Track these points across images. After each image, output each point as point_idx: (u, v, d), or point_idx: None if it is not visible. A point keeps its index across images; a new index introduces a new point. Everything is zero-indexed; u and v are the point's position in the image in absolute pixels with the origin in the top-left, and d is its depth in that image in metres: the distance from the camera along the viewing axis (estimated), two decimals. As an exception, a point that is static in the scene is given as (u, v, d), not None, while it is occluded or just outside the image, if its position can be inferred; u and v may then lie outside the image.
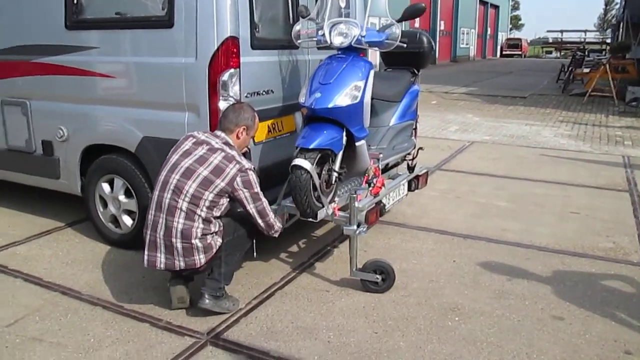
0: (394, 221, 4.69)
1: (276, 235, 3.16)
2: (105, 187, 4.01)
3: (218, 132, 3.06)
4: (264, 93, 3.70)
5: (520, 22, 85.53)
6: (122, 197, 3.93)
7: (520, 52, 50.92)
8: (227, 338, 2.89)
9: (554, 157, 7.42)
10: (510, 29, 67.39)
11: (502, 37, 54.21)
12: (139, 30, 3.59)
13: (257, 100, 3.62)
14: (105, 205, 4.07)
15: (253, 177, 2.95)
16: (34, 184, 4.53)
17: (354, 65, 3.43)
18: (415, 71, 4.46)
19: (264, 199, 3.01)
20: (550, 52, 56.56)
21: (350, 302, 3.27)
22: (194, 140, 3.00)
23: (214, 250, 2.93)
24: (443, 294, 3.37)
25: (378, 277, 3.34)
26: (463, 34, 39.35)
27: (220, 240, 2.97)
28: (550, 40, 62.48)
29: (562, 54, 47.54)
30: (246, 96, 3.51)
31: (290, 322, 3.04)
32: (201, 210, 2.86)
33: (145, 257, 2.94)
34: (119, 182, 3.93)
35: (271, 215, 3.06)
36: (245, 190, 2.91)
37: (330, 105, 3.27)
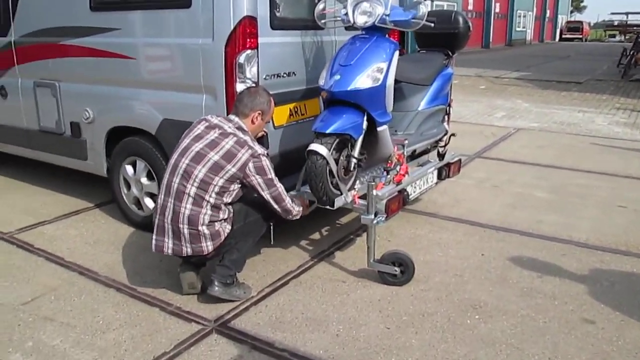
0: (424, 210, 4.50)
1: (297, 217, 3.08)
2: (129, 169, 4.02)
3: (232, 116, 2.97)
4: (285, 75, 3.58)
5: (582, 4, 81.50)
6: (144, 180, 3.93)
7: (580, 36, 48.46)
8: (233, 326, 2.82)
9: (606, 146, 6.96)
10: (571, 12, 64.35)
11: (561, 19, 51.79)
12: (158, 10, 3.52)
13: (277, 83, 3.51)
14: (128, 187, 4.08)
15: (267, 162, 2.85)
16: (64, 165, 4.61)
17: (377, 46, 3.26)
18: (450, 53, 4.21)
19: (279, 185, 2.91)
20: (614, 36, 53.59)
21: (366, 294, 3.13)
22: (207, 124, 2.92)
23: (222, 238, 2.85)
24: (465, 290, 3.18)
25: (396, 270, 3.19)
26: (519, 16, 37.81)
27: (229, 227, 2.88)
28: (616, 23, 59.11)
29: (626, 37, 44.91)
30: (265, 78, 3.40)
31: (301, 313, 2.94)
32: (210, 196, 2.78)
33: (153, 242, 2.90)
34: (141, 164, 3.92)
35: (288, 200, 2.96)
36: (258, 176, 2.82)
37: (349, 88, 3.12)
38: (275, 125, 3.56)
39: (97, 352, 2.61)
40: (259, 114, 2.98)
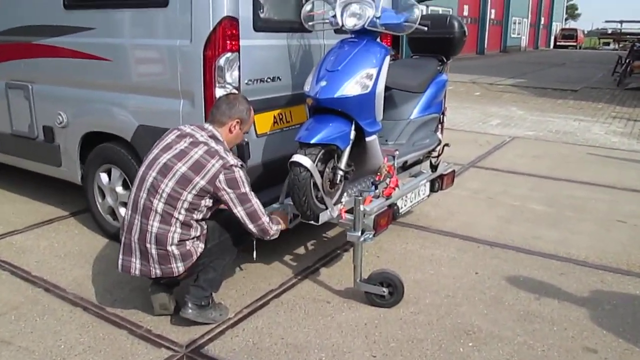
0: (416, 223, 4.29)
1: (276, 236, 2.81)
2: (104, 177, 3.79)
3: (205, 125, 2.75)
4: (269, 80, 3.36)
5: (576, 12, 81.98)
6: (119, 189, 3.70)
7: (575, 43, 48.51)
8: (206, 353, 2.60)
9: (603, 156, 6.79)
10: (566, 19, 64.58)
11: (556, 27, 51.89)
12: (134, 9, 3.31)
13: (260, 88, 3.30)
14: (103, 196, 3.85)
15: (240, 174, 2.60)
16: (38, 171, 4.38)
17: (367, 51, 3.05)
18: (444, 59, 4.02)
19: (254, 201, 2.65)
20: (608, 44, 53.70)
21: (352, 317, 2.92)
22: (178, 132, 2.70)
23: (194, 258, 2.62)
24: (458, 313, 2.97)
25: (384, 291, 2.97)
26: (515, 23, 37.80)
27: (202, 245, 2.66)
28: (609, 32, 59.31)
29: (620, 45, 45.01)
30: (247, 83, 3.19)
31: (280, 338, 2.72)
32: (179, 213, 2.55)
33: (120, 262, 2.67)
34: (116, 172, 3.69)
35: (265, 218, 2.69)
36: (230, 190, 2.57)
37: (336, 95, 2.91)
38: (258, 133, 3.35)
39: (54, 382, 2.39)
40: (237, 122, 2.75)
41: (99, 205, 3.90)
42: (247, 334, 2.75)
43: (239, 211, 2.61)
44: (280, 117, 3.54)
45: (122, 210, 3.74)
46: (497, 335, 2.76)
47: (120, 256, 2.65)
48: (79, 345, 2.64)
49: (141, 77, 3.37)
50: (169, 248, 2.54)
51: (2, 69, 4.21)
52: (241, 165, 2.63)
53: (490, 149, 7.05)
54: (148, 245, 2.55)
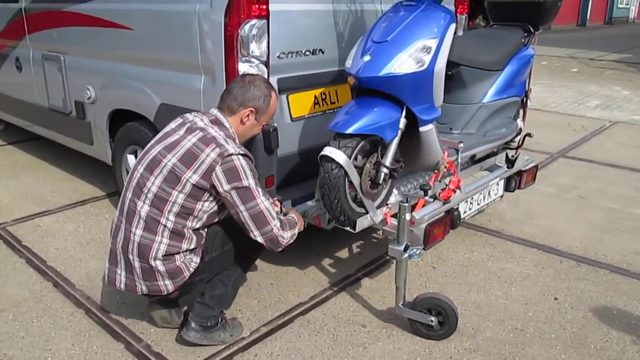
0: (485, 226, 3.62)
1: (290, 242, 2.21)
2: (131, 159, 3.44)
3: (212, 110, 2.25)
4: (308, 53, 2.81)
5: (699, -21, 73.20)
6: (145, 173, 3.33)
7: (695, 14, 43.35)
8: (205, 385, 2.16)
9: None
10: (686, -13, 57.80)
11: (673, -5, 46.57)
12: (153, -32, 2.86)
13: (296, 63, 2.77)
14: (131, 179, 3.51)
15: (241, 163, 2.05)
16: (75, 148, 4.14)
17: (426, 17, 2.43)
18: (531, 29, 3.25)
19: (262, 199, 2.08)
20: None
21: (389, 349, 2.37)
22: (180, 120, 2.23)
23: (186, 275, 2.16)
24: (526, 356, 2.33)
25: (432, 320, 2.39)
26: (623, -9, 34.20)
27: (197, 259, 2.18)
28: None
29: None
30: (279, 56, 2.66)
31: (297, 372, 2.23)
32: (166, 219, 2.08)
33: (106, 271, 2.26)
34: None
35: (274, 223, 2.09)
36: (228, 186, 2.03)
37: (382, 73, 2.32)
38: (293, 116, 2.83)
39: (27, 406, 2.05)
40: (251, 112, 2.22)
41: (127, 190, 3.57)
42: (258, 362, 2.29)
43: (241, 212, 2.06)
44: (323, 97, 2.99)
45: (148, 197, 3.38)
46: (578, 395, 2.12)
47: (107, 265, 2.25)
48: (68, 359, 2.29)
49: (162, 49, 2.93)
50: (151, 263, 2.10)
51: (39, 39, 3.96)
52: (244, 154, 2.10)
53: (585, 136, 6.08)
54: (130, 257, 2.13)
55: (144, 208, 2.09)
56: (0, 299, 2.73)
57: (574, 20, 28.62)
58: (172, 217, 2.08)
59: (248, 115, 2.22)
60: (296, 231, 2.21)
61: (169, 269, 2.11)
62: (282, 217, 2.16)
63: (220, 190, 2.04)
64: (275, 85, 2.62)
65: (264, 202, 2.08)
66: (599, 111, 7.47)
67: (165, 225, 2.08)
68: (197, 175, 2.04)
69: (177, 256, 2.11)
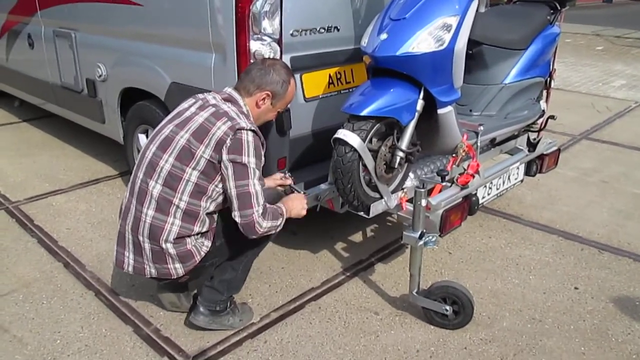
0: (504, 210, 3.52)
1: (270, 233, 2.11)
2: (142, 138, 3.39)
3: (226, 88, 2.18)
4: (322, 30, 2.71)
5: None
6: (156, 153, 3.28)
7: None
8: (213, 371, 2.13)
9: None
10: None
11: None
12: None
13: (310, 41, 2.67)
14: (143, 159, 3.46)
15: (249, 139, 1.97)
16: (87, 126, 4.10)
17: (447, -7, 2.29)
18: (558, 6, 3.09)
19: (254, 181, 1.99)
20: None
21: (402, 338, 2.31)
22: (193, 100, 2.15)
23: (197, 259, 2.10)
24: (545, 348, 2.26)
25: (447, 309, 2.32)
26: (653, -34, 32.98)
27: (208, 244, 2.13)
28: None
29: None
30: (292, 34, 2.56)
31: (307, 359, 2.18)
32: (179, 199, 2.03)
33: (115, 253, 2.22)
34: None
35: (256, 209, 1.98)
36: (228, 156, 1.96)
37: (399, 53, 2.21)
38: (307, 96, 2.74)
39: (36, 389, 2.04)
40: (267, 95, 2.14)
41: (138, 169, 3.53)
42: (268, 348, 2.24)
43: (230, 187, 1.99)
44: (338, 76, 2.89)
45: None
46: (597, 390, 2.04)
47: (115, 246, 2.21)
48: (76, 342, 2.27)
49: (172, 26, 2.84)
50: (162, 245, 2.05)
51: (51, 15, 3.89)
52: (254, 131, 2.02)
53: (610, 117, 5.88)
54: (140, 238, 2.08)
55: (156, 188, 2.04)
56: (11, 279, 2.72)
57: (599, -4, 27.72)
58: (185, 197, 2.02)
59: (264, 99, 2.14)
60: (278, 223, 2.09)
61: (179, 252, 2.06)
62: (268, 206, 2.06)
63: (221, 159, 1.98)
64: (288, 64, 2.54)
65: (255, 185, 2.00)
66: (624, 91, 7.22)
67: (178, 206, 2.03)
68: (210, 149, 1.98)
69: (188, 239, 2.06)
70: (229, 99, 2.10)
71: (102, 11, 3.29)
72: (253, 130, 2.01)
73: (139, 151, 3.44)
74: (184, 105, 2.16)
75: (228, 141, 1.96)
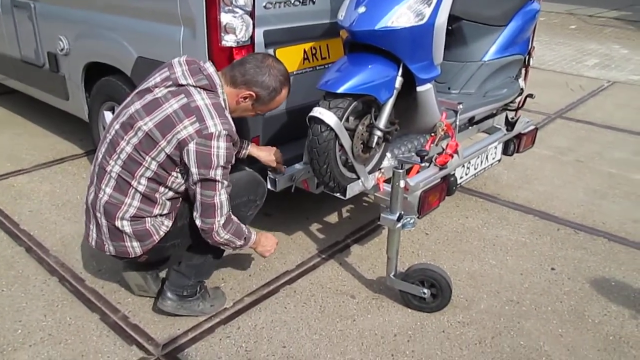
0: (480, 190, 3.49)
1: (228, 245, 2.05)
2: (107, 115, 3.23)
3: (208, 65, 1.99)
4: (297, 3, 2.58)
5: None
6: (123, 132, 3.13)
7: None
8: (185, 359, 2.04)
9: None
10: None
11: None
12: None
13: (284, 14, 2.54)
14: (109, 138, 3.31)
15: (218, 148, 1.84)
16: (49, 103, 3.90)
17: (428, -35, 2.19)
18: (538, -18, 3.03)
19: (221, 192, 1.90)
20: None
21: (379, 322, 2.26)
22: (167, 74, 1.98)
23: (156, 238, 2.00)
24: (522, 330, 2.24)
25: (425, 292, 2.27)
26: (625, -55, 33.26)
27: (169, 224, 2.03)
28: None
29: None
30: (266, 6, 2.43)
31: (282, 346, 2.11)
32: (138, 183, 1.92)
33: (84, 225, 2.12)
34: (119, 112, 3.11)
35: (218, 219, 1.92)
36: (196, 169, 1.86)
37: (378, 27, 2.11)
38: (281, 73, 2.61)
39: (-6, 382, 1.93)
40: (250, 96, 2.00)
41: (105, 148, 3.37)
42: (241, 335, 2.17)
43: (196, 193, 1.91)
44: (313, 52, 2.78)
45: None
46: (574, 372, 2.03)
47: (84, 218, 2.11)
48: (39, 331, 2.16)
49: (138, -4, 2.68)
50: (117, 223, 1.95)
51: (7, -17, 3.66)
52: (227, 134, 1.87)
53: (583, 96, 5.90)
54: (98, 214, 1.99)
55: (115, 168, 1.93)
56: (-32, 265, 2.58)
57: (573, -25, 27.83)
58: (144, 182, 1.92)
59: (246, 98, 2.00)
60: (238, 244, 2.02)
61: (136, 230, 1.96)
62: (234, 221, 1.98)
63: (188, 166, 1.87)
64: (261, 38, 2.42)
65: (221, 196, 1.90)
66: (597, 70, 7.26)
67: (136, 189, 1.92)
68: (171, 147, 1.86)
69: (148, 219, 1.97)
70: (206, 87, 1.93)
71: (62, -20, 3.09)
72: (223, 135, 1.85)
73: (104, 129, 3.30)
74: (156, 78, 2.00)
75: (191, 145, 1.83)
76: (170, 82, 1.95)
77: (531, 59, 3.15)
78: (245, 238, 2.03)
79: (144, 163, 1.90)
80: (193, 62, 2.01)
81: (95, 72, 3.19)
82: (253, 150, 2.39)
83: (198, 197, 1.90)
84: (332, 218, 3.09)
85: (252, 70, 1.98)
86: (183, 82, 1.93)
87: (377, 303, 2.37)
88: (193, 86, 1.92)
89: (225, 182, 1.91)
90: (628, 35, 10.53)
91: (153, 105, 1.90)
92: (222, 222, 1.92)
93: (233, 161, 1.95)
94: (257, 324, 2.22)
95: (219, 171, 1.87)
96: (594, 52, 8.53)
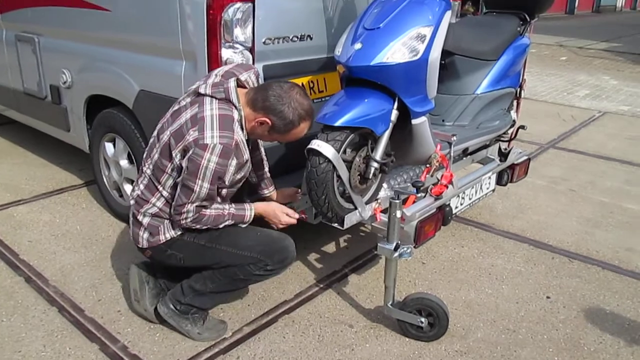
0: (475, 220, 3.54)
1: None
2: (109, 147, 3.29)
3: (230, 81, 2.00)
4: (295, 39, 2.67)
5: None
6: (123, 162, 3.19)
7: (681, 4, 43.49)
8: (183, 390, 2.06)
9: None
10: (673, -24, 57.97)
11: (660, -16, 46.63)
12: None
13: (283, 49, 2.63)
14: (110, 169, 3.36)
15: (209, 161, 1.86)
16: (50, 134, 3.96)
17: (421, 3, 2.30)
18: (527, 17, 3.14)
19: (191, 206, 1.97)
20: None
21: (377, 352, 2.27)
22: (197, 85, 2.06)
23: (161, 239, 2.12)
24: (518, 358, 2.26)
25: (423, 321, 2.30)
26: (612, -21, 34.14)
27: (179, 232, 2.12)
28: None
29: None
30: (265, 42, 2.51)
31: (281, 376, 2.13)
32: (162, 188, 2.08)
33: None
34: (120, 143, 3.18)
35: (188, 207, 1.96)
36: (185, 173, 1.92)
37: (373, 62, 2.19)
38: (280, 105, 2.68)
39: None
40: (266, 122, 2.00)
41: (104, 178, 3.42)
42: (240, 365, 2.18)
43: (179, 187, 1.98)
44: (311, 85, 2.86)
45: (127, 187, 3.24)
46: (572, 401, 2.04)
47: None
48: (38, 362, 2.17)
49: (140, 32, 2.76)
50: (139, 215, 2.15)
51: (12, 18, 3.75)
52: (223, 149, 1.88)
53: (575, 126, 6.02)
54: (132, 202, 2.20)
55: (148, 170, 2.12)
56: (-32, 296, 2.59)
57: (562, 8, 28.60)
58: (168, 188, 2.08)
59: (262, 124, 2.02)
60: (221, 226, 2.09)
61: (150, 224, 2.13)
62: (207, 218, 2.02)
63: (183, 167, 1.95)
64: (260, 72, 2.49)
65: (191, 206, 1.98)
66: (588, 101, 7.41)
67: (161, 194, 2.08)
68: (180, 156, 1.97)
69: (164, 220, 2.13)
70: (226, 100, 1.96)
71: (67, 15, 3.17)
72: (217, 150, 1.86)
73: (105, 160, 3.36)
74: (197, 82, 2.08)
75: (190, 152, 1.90)
76: (193, 90, 2.03)
77: (522, 91, 3.24)
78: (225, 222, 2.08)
79: (166, 170, 2.02)
80: (228, 74, 2.06)
81: (96, 105, 3.26)
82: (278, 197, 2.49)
83: (176, 196, 2.00)
84: (330, 248, 3.12)
85: (273, 97, 1.96)
86: (202, 91, 1.99)
87: (375, 332, 2.39)
88: (209, 96, 1.97)
89: (204, 191, 1.91)
90: (617, 66, 10.77)
91: (176, 114, 2.01)
92: (188, 223, 2.03)
93: (234, 181, 2.02)
94: (256, 354, 2.24)
95: (205, 184, 1.90)
96: (585, 83, 8.71)
